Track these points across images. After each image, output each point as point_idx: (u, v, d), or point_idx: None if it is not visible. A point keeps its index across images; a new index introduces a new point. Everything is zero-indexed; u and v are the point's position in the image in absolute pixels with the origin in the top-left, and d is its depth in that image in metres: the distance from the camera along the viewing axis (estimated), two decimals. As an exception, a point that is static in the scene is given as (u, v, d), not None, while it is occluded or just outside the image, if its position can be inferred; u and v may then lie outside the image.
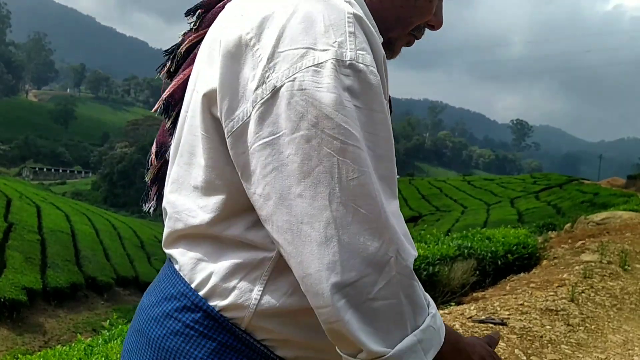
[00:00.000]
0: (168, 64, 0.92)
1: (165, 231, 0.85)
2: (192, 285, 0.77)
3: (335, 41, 0.69)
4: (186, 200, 0.80)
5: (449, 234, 8.56)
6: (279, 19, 0.71)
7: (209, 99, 0.75)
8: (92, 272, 22.11)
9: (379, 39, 0.76)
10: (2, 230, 22.35)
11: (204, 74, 0.77)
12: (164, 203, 0.87)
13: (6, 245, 20.93)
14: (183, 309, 0.77)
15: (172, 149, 0.89)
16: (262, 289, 0.75)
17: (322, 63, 0.68)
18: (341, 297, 0.66)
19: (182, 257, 0.80)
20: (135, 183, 58.26)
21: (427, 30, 0.91)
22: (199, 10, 0.87)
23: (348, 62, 0.69)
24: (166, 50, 0.93)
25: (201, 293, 0.77)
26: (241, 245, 0.76)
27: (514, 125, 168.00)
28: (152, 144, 0.97)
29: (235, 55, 0.72)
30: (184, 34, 0.90)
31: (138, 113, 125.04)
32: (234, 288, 0.75)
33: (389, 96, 0.83)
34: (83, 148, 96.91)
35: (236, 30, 0.73)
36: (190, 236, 0.80)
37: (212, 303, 0.76)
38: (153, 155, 0.94)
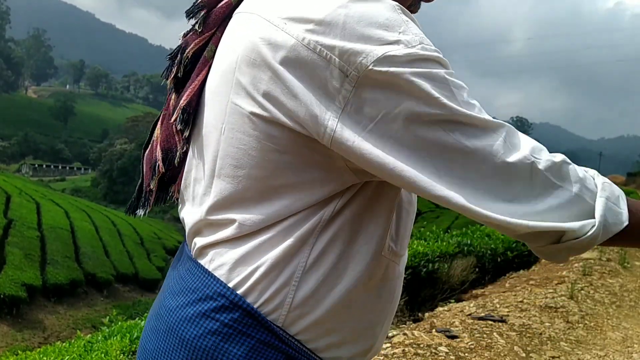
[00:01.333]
0: (174, 70, 0.89)
1: (199, 239, 0.84)
2: (230, 285, 0.78)
3: (400, 31, 0.69)
4: (234, 213, 0.80)
5: (449, 231, 8.57)
6: (334, 14, 0.69)
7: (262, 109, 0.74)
8: (92, 268, 22.15)
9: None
10: (1, 226, 22.38)
11: (250, 90, 0.75)
12: (199, 215, 0.84)
13: (6, 241, 20.96)
14: (221, 308, 0.77)
15: (194, 159, 0.87)
16: (296, 284, 0.77)
17: (391, 52, 0.67)
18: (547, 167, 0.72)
19: (220, 257, 0.80)
20: (135, 180, 57.55)
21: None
22: (202, 12, 0.85)
23: (418, 46, 0.69)
24: (169, 55, 0.91)
25: (239, 292, 0.77)
26: (277, 243, 0.77)
27: (514, 122, 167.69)
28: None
29: (297, 61, 0.70)
30: (185, 35, 0.88)
31: (138, 109, 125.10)
32: (271, 285, 0.77)
33: None
34: (82, 145, 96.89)
35: (286, 36, 0.71)
36: (231, 239, 0.80)
37: (249, 300, 0.77)
38: (160, 162, 0.92)
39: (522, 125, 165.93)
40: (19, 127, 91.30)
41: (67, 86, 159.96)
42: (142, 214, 0.98)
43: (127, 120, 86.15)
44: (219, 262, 0.80)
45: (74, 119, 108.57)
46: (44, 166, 79.53)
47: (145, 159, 0.96)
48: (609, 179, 0.79)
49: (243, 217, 0.78)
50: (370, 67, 0.67)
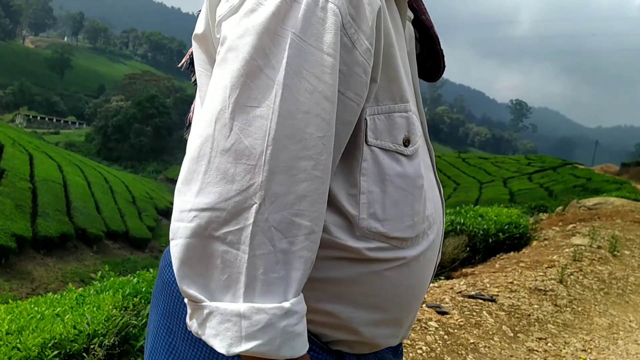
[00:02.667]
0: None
1: None
2: None
3: None
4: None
5: (442, 209, 8.60)
6: None
7: (201, 39, 0.77)
8: (83, 223, 22.16)
9: None
10: (-7, 176, 22.25)
11: (198, 20, 0.79)
12: None
13: (-3, 191, 20.88)
14: None
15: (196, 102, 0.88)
16: None
17: None
18: (185, 218, 0.62)
19: None
20: (130, 138, 57.84)
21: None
22: None
23: None
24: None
25: None
26: None
27: (513, 106, 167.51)
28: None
29: None
30: None
31: (136, 67, 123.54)
32: None
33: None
34: (78, 99, 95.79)
35: None
36: None
37: None
38: (192, 114, 0.91)
39: (520, 108, 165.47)
40: (14, 76, 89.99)
41: (65, 38, 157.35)
42: None
43: (124, 77, 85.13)
44: None
45: (71, 71, 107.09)
46: (39, 118, 78.76)
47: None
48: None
49: None
50: None
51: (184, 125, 0.94)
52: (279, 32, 0.62)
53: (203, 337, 0.63)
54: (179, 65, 0.88)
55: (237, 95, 0.62)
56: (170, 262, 0.76)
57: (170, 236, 0.65)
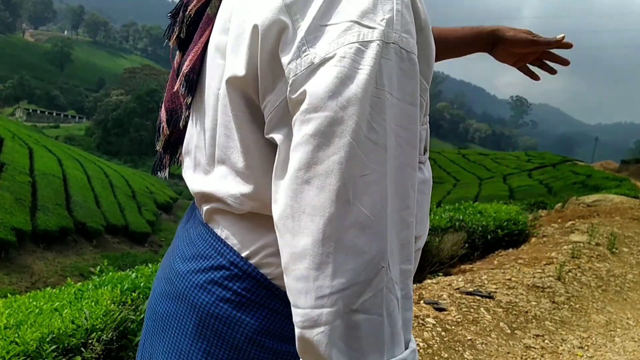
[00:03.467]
0: (177, 29, 0.84)
1: (207, 206, 0.80)
2: (243, 255, 0.76)
3: (384, 18, 0.63)
4: (227, 186, 0.76)
5: (441, 205, 8.60)
6: None
7: (241, 83, 0.71)
8: (82, 217, 22.17)
9: (426, 14, 0.71)
10: (-7, 169, 22.25)
11: (231, 60, 0.72)
12: (205, 186, 0.80)
13: (-3, 184, 20.89)
14: (234, 277, 0.75)
15: (194, 122, 0.83)
16: None
17: (367, 42, 0.62)
18: (326, 304, 0.61)
19: (232, 226, 0.77)
20: (130, 132, 57.80)
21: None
22: None
23: (392, 44, 0.63)
24: (171, 13, 0.86)
25: (252, 262, 0.75)
26: None
27: (513, 102, 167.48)
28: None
29: (271, 32, 0.66)
30: None
31: (136, 61, 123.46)
32: None
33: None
34: (78, 93, 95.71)
35: (271, 5, 0.66)
36: (237, 213, 0.77)
37: (263, 271, 0.75)
38: (164, 124, 0.88)
39: (521, 105, 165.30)
40: (14, 69, 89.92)
41: (65, 32, 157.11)
42: (162, 176, 0.95)
43: (124, 71, 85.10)
44: (230, 231, 0.77)
45: (71, 65, 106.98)
46: (38, 112, 78.69)
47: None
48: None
49: (239, 192, 0.75)
50: None
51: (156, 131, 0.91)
52: (376, 94, 0.62)
53: None
54: (175, 89, 0.82)
55: (351, 168, 0.61)
56: (201, 283, 0.76)
57: (307, 324, 0.62)
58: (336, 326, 0.61)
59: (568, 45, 1.24)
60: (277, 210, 0.65)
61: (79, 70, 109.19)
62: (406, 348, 0.66)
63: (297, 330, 0.63)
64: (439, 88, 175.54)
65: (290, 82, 0.64)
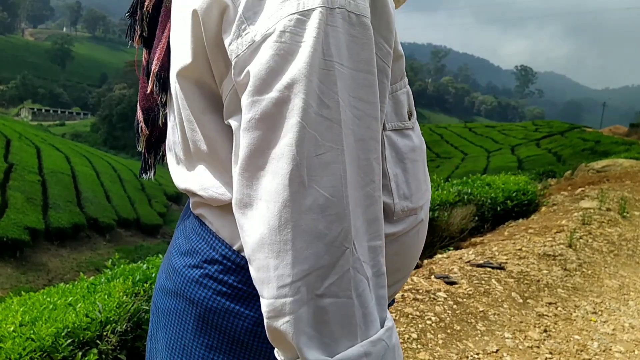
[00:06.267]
0: (138, 29, 0.82)
1: (195, 199, 0.80)
2: (235, 247, 0.75)
3: None
4: (205, 179, 0.75)
5: (449, 180, 8.58)
6: None
7: (193, 71, 0.68)
8: (94, 213, 22.34)
9: None
10: (2, 170, 22.43)
11: (177, 50, 0.70)
12: (189, 182, 0.79)
13: (7, 185, 21.06)
14: (228, 270, 0.74)
15: (170, 118, 0.82)
16: None
17: (308, 11, 0.57)
18: (288, 293, 0.59)
19: (221, 219, 0.76)
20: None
21: None
22: None
23: (338, 9, 0.58)
24: (128, 13, 0.84)
25: (244, 254, 0.73)
26: None
27: (518, 72, 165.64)
28: None
29: (212, 14, 0.63)
30: None
31: (135, 53, 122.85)
32: None
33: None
34: (81, 89, 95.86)
35: None
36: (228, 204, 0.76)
37: None
38: (142, 124, 0.86)
39: (526, 74, 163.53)
40: (16, 70, 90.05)
41: (64, 29, 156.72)
42: (148, 177, 0.94)
43: (125, 65, 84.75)
44: (219, 224, 0.77)
45: (72, 62, 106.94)
46: (43, 110, 78.95)
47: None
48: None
49: (221, 183, 0.74)
50: None
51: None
52: (324, 66, 0.58)
53: None
54: (148, 91, 0.80)
55: (304, 149, 0.58)
56: (197, 278, 0.76)
57: (272, 314, 0.60)
58: (302, 314, 0.59)
59: None
60: (234, 199, 0.63)
61: (81, 66, 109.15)
62: (382, 327, 0.63)
63: (265, 321, 0.61)
64: (442, 62, 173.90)
65: (233, 64, 0.61)
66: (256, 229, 0.60)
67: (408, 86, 0.80)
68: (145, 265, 3.15)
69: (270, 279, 0.60)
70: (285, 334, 0.60)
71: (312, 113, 0.57)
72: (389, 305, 0.96)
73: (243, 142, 0.60)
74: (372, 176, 0.62)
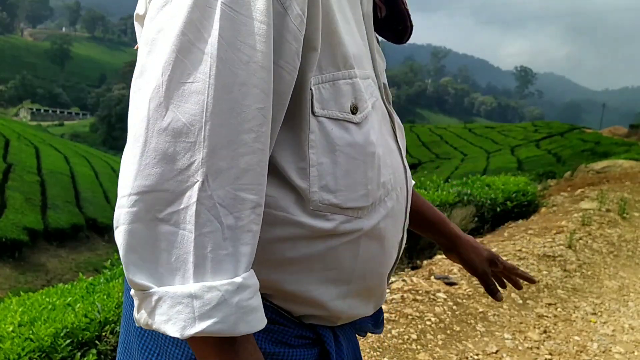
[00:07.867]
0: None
1: None
2: None
3: None
4: None
5: (449, 180, 8.57)
6: None
7: (140, 19, 0.75)
8: (93, 213, 22.30)
9: None
10: (1, 170, 22.40)
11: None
12: None
13: (6, 185, 21.03)
14: None
15: None
16: None
17: None
18: (125, 204, 0.60)
19: None
20: (134, 126, 57.78)
21: None
22: None
23: None
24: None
25: None
26: None
27: (518, 72, 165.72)
28: None
29: None
30: None
31: (135, 54, 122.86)
32: None
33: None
34: (80, 89, 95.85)
35: None
36: None
37: None
38: None
39: (526, 75, 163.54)
40: (15, 70, 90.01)
41: (63, 29, 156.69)
42: None
43: (124, 65, 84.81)
44: None
45: (71, 62, 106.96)
46: (42, 110, 78.92)
47: None
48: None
49: None
50: None
51: None
52: (208, 3, 0.60)
53: (154, 326, 0.60)
54: (135, 47, 0.83)
55: (170, 72, 0.59)
56: None
57: (114, 224, 0.62)
58: (135, 229, 0.59)
59: (532, 281, 1.19)
60: None
61: (80, 66, 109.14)
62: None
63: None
64: (441, 63, 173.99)
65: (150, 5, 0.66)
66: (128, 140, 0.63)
67: (361, 82, 0.76)
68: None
69: (118, 188, 0.62)
70: (120, 246, 0.60)
71: (186, 42, 0.59)
72: (373, 331, 0.94)
73: (136, 64, 0.65)
74: (251, 124, 0.61)
